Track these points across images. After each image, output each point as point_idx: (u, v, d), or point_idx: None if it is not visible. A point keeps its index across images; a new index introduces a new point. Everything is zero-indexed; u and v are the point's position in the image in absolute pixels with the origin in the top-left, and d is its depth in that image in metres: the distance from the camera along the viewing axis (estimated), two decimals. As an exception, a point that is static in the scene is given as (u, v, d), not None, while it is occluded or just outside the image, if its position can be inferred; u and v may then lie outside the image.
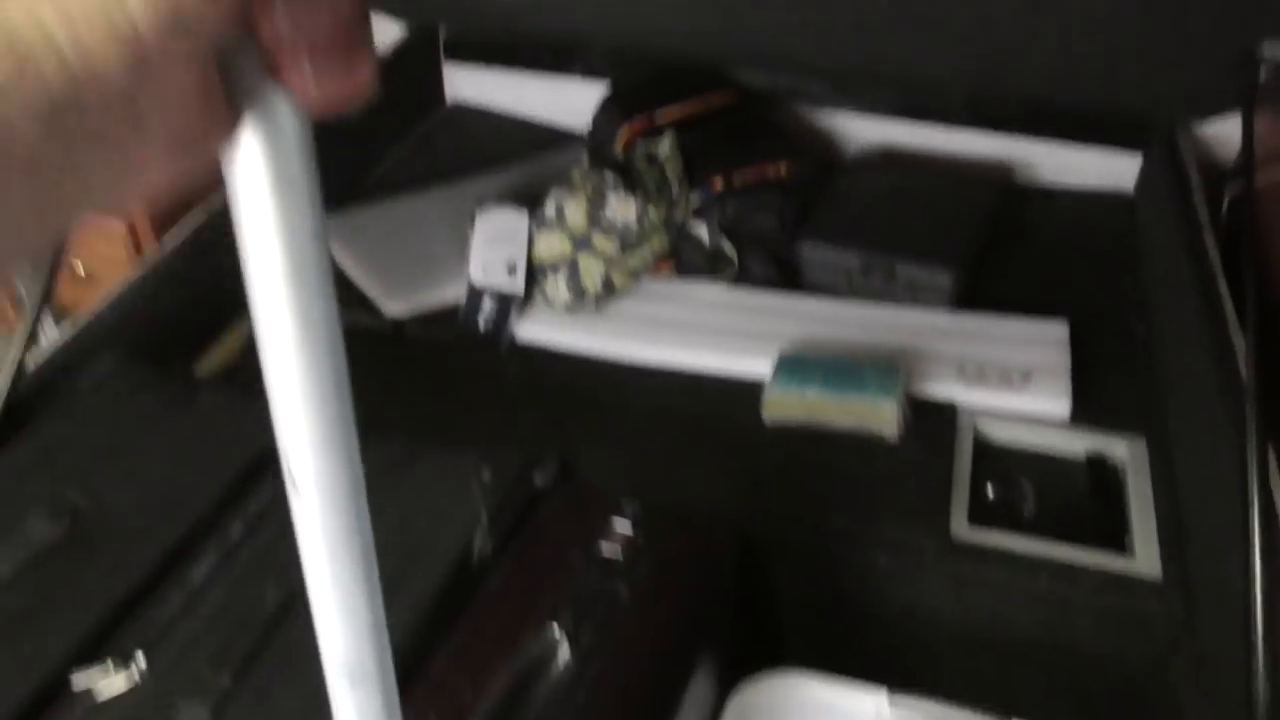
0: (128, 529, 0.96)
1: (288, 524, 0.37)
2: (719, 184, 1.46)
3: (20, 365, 1.04)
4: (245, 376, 1.29)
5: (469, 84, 1.94)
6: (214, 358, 1.32)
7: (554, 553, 0.93)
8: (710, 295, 1.42)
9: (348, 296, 1.43)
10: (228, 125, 0.31)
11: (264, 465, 1.00)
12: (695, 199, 1.45)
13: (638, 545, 0.94)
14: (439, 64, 1.95)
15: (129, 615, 0.88)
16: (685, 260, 1.46)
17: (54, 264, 1.16)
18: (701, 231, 1.45)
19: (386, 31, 1.97)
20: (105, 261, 1.73)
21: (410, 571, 0.92)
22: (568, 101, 1.81)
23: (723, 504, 1.06)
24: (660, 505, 0.98)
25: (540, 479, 1.03)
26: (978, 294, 1.38)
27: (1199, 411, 1.09)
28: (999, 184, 1.60)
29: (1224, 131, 1.63)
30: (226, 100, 0.30)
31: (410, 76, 1.94)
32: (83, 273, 1.79)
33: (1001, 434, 1.19)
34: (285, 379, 0.34)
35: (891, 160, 1.68)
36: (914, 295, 1.37)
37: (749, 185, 1.47)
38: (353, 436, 0.36)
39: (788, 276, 1.45)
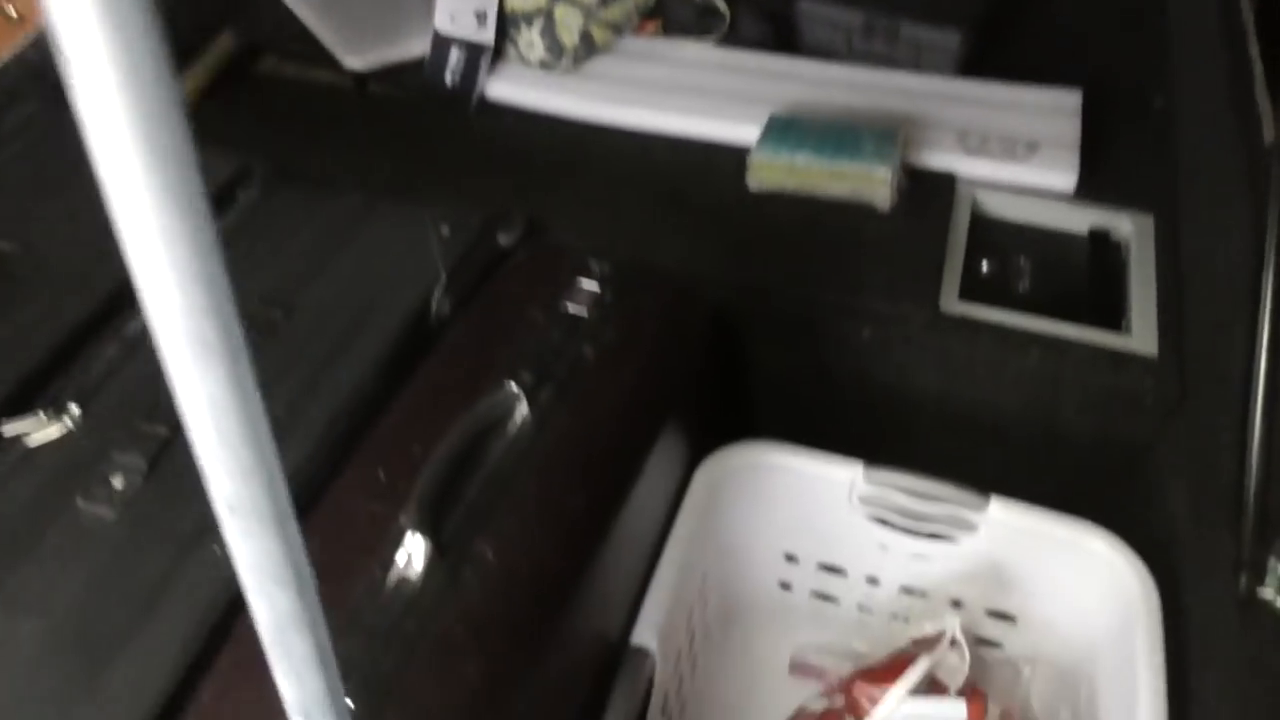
0: (61, 275, 0.89)
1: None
2: (712, -69, 1.33)
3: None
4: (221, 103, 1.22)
5: None
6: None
7: (515, 310, 0.87)
8: (697, 54, 1.31)
9: (306, 50, 1.32)
10: None
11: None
12: (685, -53, 1.32)
13: (604, 304, 0.88)
14: None
15: (62, 365, 0.83)
16: (672, 16, 1.34)
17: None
18: (690, -17, 1.32)
19: None
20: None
21: (365, 326, 0.86)
22: None
23: (700, 271, 0.99)
24: (631, 267, 0.91)
25: (505, 238, 0.96)
26: (987, 58, 1.27)
27: (1216, 183, 1.01)
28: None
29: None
30: None
31: None
32: (14, 14, 1.66)
33: (1001, 207, 1.11)
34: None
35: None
36: (918, 58, 1.27)
37: (745, -67, 1.34)
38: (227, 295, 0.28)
39: (783, 37, 1.33)
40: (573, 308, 0.87)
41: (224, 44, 1.33)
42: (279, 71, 1.34)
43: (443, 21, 1.26)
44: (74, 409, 0.80)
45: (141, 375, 0.82)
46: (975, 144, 1.15)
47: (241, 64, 1.33)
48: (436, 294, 0.89)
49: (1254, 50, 1.06)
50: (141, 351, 0.85)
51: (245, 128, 1.22)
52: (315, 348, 0.84)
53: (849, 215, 1.06)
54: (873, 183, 1.06)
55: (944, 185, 1.11)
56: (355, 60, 1.31)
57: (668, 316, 0.90)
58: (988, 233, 1.07)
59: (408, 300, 0.88)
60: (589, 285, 0.89)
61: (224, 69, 1.31)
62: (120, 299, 0.87)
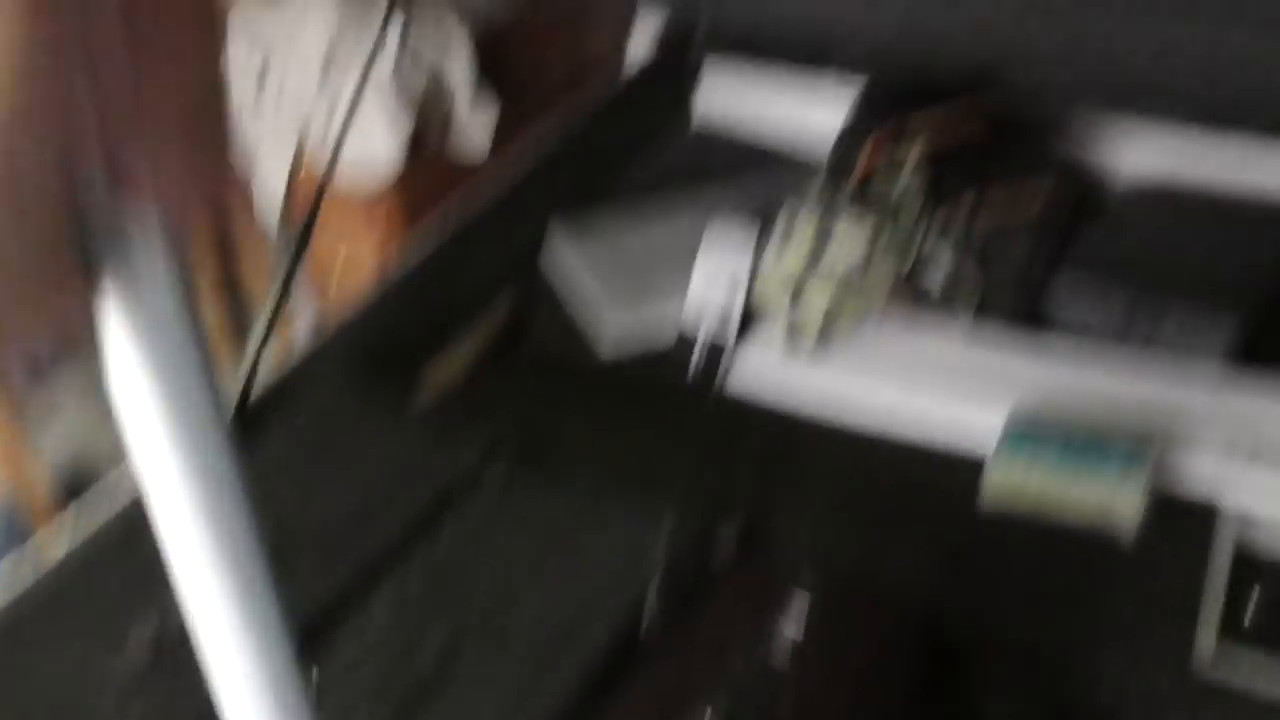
0: (321, 545, 1.00)
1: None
2: (969, 202, 1.33)
3: (246, 386, 1.11)
4: (464, 399, 1.33)
5: (720, 92, 1.85)
6: (432, 384, 1.34)
7: (723, 632, 0.88)
8: (944, 331, 1.29)
9: (572, 333, 1.40)
10: (83, 276, 0.29)
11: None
12: (938, 220, 1.33)
13: (813, 636, 0.87)
14: (692, 72, 1.88)
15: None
16: (923, 289, 1.34)
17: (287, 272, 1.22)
18: (944, 252, 1.32)
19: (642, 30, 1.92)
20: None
21: (574, 639, 0.90)
22: (820, 109, 1.69)
23: (920, 595, 0.96)
24: (846, 589, 0.90)
25: (721, 548, 0.98)
26: (1268, 347, 1.17)
27: None
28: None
29: None
30: (76, 249, 0.28)
31: (660, 85, 1.88)
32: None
33: (1275, 539, 1.00)
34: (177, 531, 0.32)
35: (1176, 189, 1.45)
36: (1186, 345, 1.19)
37: (1004, 206, 1.33)
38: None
39: (1038, 315, 1.29)
40: (780, 635, 0.87)
41: (498, 317, 1.43)
42: (546, 347, 1.41)
43: (697, 284, 1.32)
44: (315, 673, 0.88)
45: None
46: (1248, 452, 1.05)
47: (512, 336, 1.43)
48: (647, 609, 0.91)
49: None
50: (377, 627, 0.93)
51: (500, 400, 1.30)
52: (526, 658, 0.89)
53: (1089, 542, 0.99)
54: (1118, 505, 0.99)
55: (1203, 516, 1.01)
56: (614, 318, 1.38)
57: (879, 657, 0.87)
58: (1258, 572, 0.96)
59: (618, 613, 0.91)
60: (799, 611, 0.88)
61: (495, 344, 1.41)
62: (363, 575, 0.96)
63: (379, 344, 1.32)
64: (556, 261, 1.49)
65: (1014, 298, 1.31)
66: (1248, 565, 0.96)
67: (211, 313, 1.96)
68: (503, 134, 1.62)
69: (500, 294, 1.46)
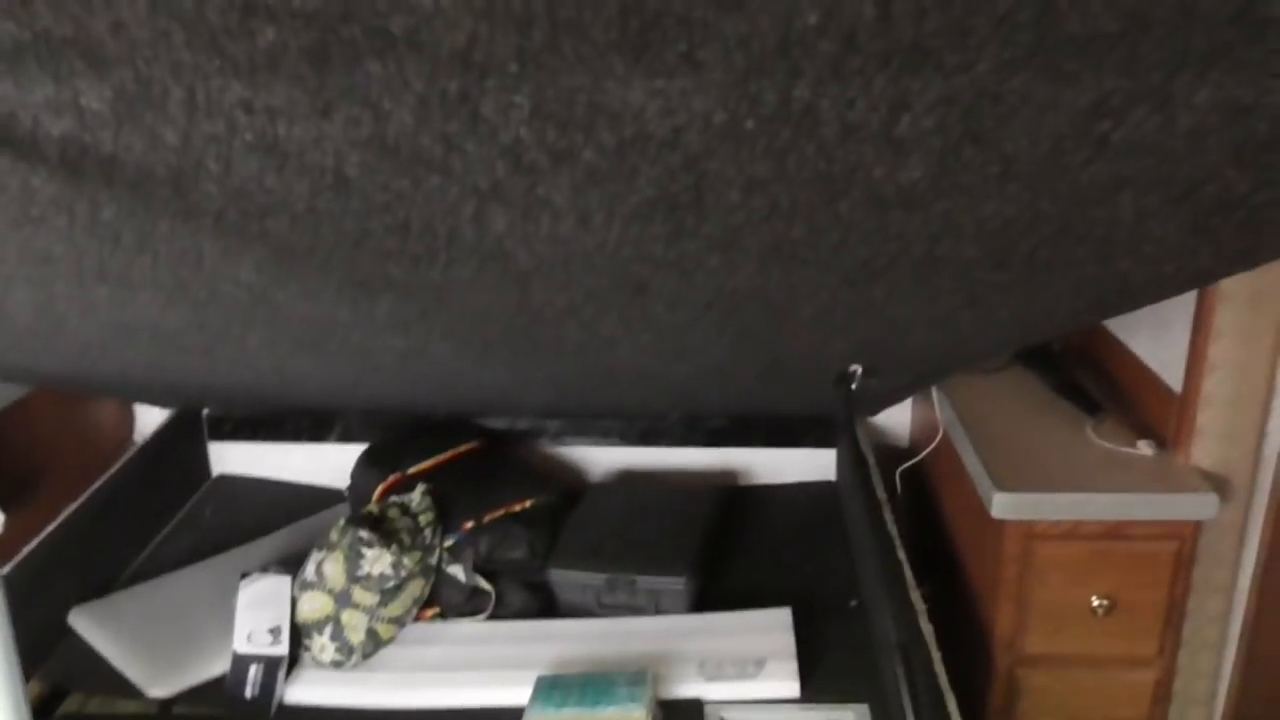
0: None
1: None
2: (469, 524, 1.59)
3: None
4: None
5: (233, 456, 2.04)
6: None
7: None
8: (471, 631, 1.51)
9: (111, 685, 1.43)
10: None
11: None
12: (449, 541, 1.57)
13: None
14: (204, 441, 2.05)
15: None
16: (446, 601, 1.55)
17: None
18: (458, 572, 1.56)
19: (152, 414, 2.07)
20: None
21: None
22: (328, 463, 1.94)
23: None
24: None
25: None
26: (712, 592, 1.54)
27: (891, 670, 1.25)
28: (722, 488, 1.81)
29: (899, 418, 1.94)
30: None
31: (177, 456, 2.02)
32: None
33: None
34: None
35: (628, 481, 1.88)
36: (656, 603, 1.52)
37: (497, 521, 1.61)
38: None
39: (545, 602, 1.57)
40: None
41: (32, 689, 1.42)
42: (84, 708, 1.43)
43: (240, 642, 1.42)
44: None
45: None
46: (713, 669, 1.36)
47: (48, 705, 1.42)
48: None
49: (901, 554, 1.37)
50: None
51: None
52: None
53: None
54: (632, 716, 1.23)
55: (693, 710, 1.30)
56: (159, 689, 1.43)
57: None
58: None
59: None
60: None
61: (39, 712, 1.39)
62: None
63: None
64: (85, 637, 1.52)
65: (520, 600, 1.57)
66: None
67: None
68: (12, 513, 1.64)
69: (32, 668, 1.45)
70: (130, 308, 0.85)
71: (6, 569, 1.48)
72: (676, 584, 1.51)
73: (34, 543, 1.57)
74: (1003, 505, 1.34)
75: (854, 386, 1.21)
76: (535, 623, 1.52)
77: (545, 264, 0.65)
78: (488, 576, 1.56)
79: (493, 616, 1.54)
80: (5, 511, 1.64)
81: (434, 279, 0.69)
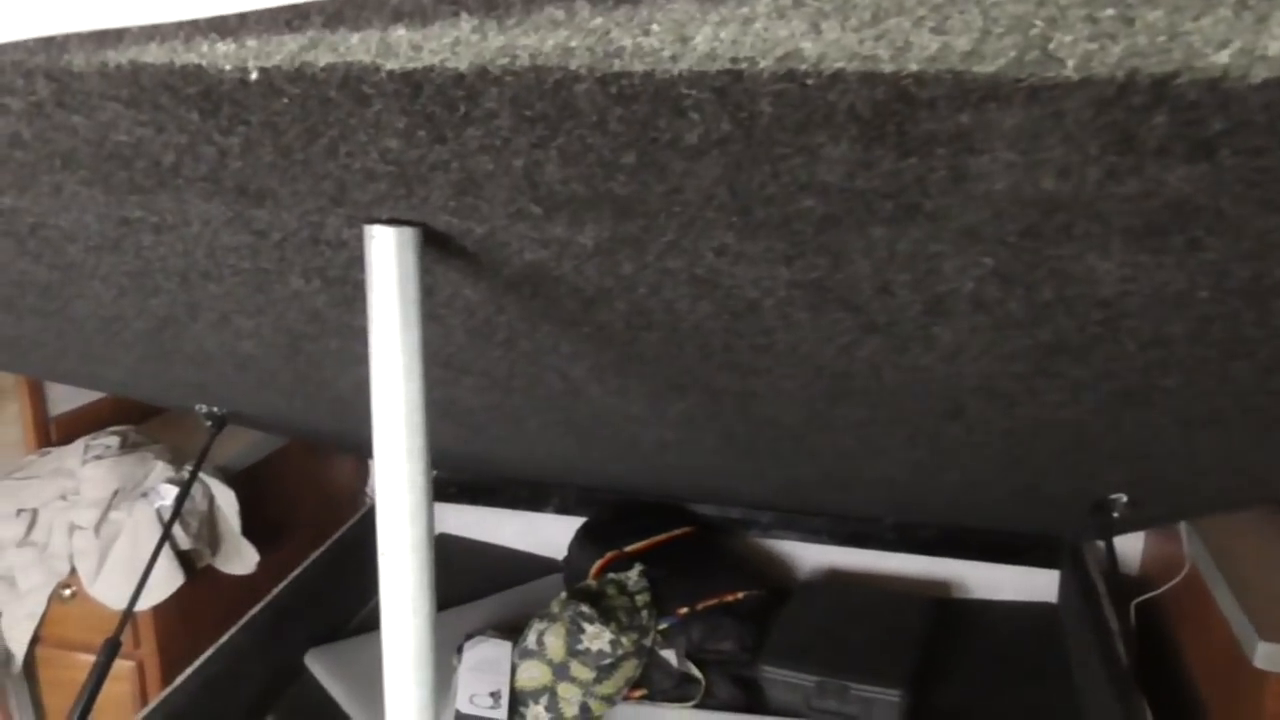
0: None
1: None
2: (684, 610, 1.61)
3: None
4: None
5: (453, 518, 2.14)
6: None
7: None
8: (679, 718, 1.52)
9: (339, 727, 1.52)
10: None
11: None
12: (663, 624, 1.60)
13: None
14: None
15: None
16: (656, 684, 1.57)
17: None
18: (670, 656, 1.58)
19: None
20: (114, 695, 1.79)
21: None
22: (542, 533, 2.00)
23: None
24: None
25: None
26: (923, 709, 1.50)
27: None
28: (934, 599, 1.77)
29: (1131, 545, 1.85)
30: None
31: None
32: None
33: None
34: None
35: (837, 581, 1.86)
36: (868, 712, 1.49)
37: (710, 610, 1.62)
38: None
39: (752, 698, 1.56)
40: None
41: (266, 725, 1.53)
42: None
43: (463, 702, 1.48)
44: None
45: None
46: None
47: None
48: None
49: (1136, 695, 1.30)
50: None
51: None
52: None
53: None
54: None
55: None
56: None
57: None
58: None
59: None
60: None
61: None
62: None
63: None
64: (320, 679, 1.61)
65: (729, 693, 1.57)
66: None
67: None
68: (268, 551, 1.77)
69: (269, 706, 1.55)
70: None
71: (256, 609, 1.60)
72: (891, 695, 1.48)
73: (280, 586, 1.68)
74: (1269, 656, 1.26)
75: (1115, 515, 1.17)
76: (744, 717, 1.52)
77: (879, 386, 0.67)
78: (697, 665, 1.58)
79: (701, 705, 1.55)
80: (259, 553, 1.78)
81: (754, 388, 0.72)
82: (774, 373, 0.66)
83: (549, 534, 1.98)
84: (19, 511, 1.56)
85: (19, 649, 1.65)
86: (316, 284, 0.62)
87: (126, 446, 1.62)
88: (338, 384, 0.98)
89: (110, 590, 1.53)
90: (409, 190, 0.45)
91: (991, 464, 0.92)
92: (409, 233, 0.49)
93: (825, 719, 1.50)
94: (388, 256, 0.49)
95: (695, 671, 1.57)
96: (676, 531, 1.84)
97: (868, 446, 0.88)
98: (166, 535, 1.40)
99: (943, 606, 1.76)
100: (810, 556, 1.90)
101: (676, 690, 1.57)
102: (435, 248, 0.52)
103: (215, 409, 1.31)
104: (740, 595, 1.66)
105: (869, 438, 0.82)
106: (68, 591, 1.60)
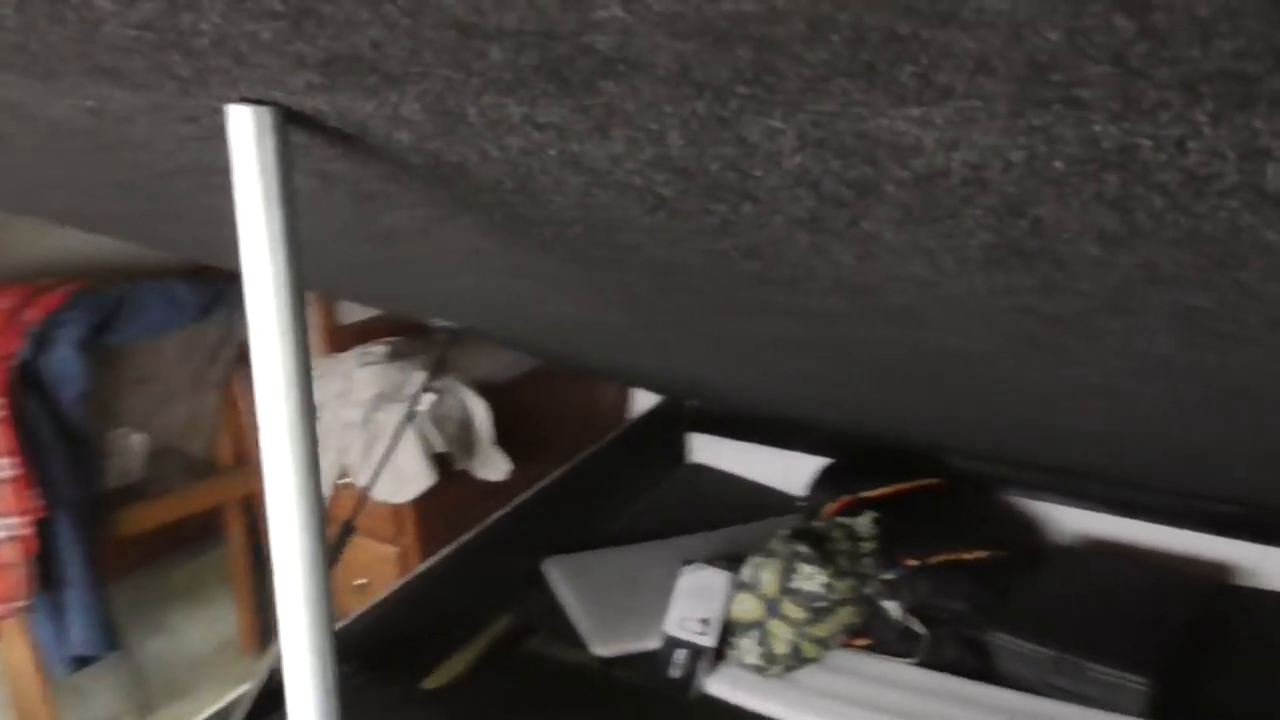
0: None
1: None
2: (913, 562, 1.52)
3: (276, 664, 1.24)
4: (465, 695, 1.46)
5: (706, 448, 2.15)
6: (441, 674, 1.49)
7: None
8: (897, 673, 1.45)
9: (565, 633, 1.57)
10: None
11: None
12: (888, 575, 1.52)
13: None
14: (684, 431, 2.19)
15: None
16: (878, 635, 1.51)
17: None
18: (892, 607, 1.50)
19: (641, 399, 2.25)
20: (381, 576, 1.99)
21: None
22: (792, 471, 1.96)
23: None
24: None
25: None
26: (1179, 703, 1.33)
27: None
28: (1214, 584, 1.56)
29: None
30: None
31: (659, 440, 2.17)
32: (362, 582, 2.07)
33: None
34: None
35: (1098, 552, 1.68)
36: (1108, 698, 1.34)
37: (944, 565, 1.52)
38: None
39: (980, 662, 1.45)
40: None
41: (503, 624, 1.62)
42: (543, 649, 1.58)
43: (672, 625, 1.49)
44: None
45: None
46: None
47: (515, 639, 1.60)
48: None
49: None
50: None
51: (503, 696, 1.45)
52: None
53: None
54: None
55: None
56: (603, 648, 1.54)
57: None
58: None
59: None
60: None
61: (499, 644, 1.59)
62: None
63: (400, 631, 1.47)
64: (553, 585, 1.69)
65: (955, 654, 1.48)
66: None
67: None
68: (519, 464, 1.87)
69: (506, 603, 1.64)
70: (557, 307, 0.92)
71: (499, 513, 1.69)
72: (1136, 682, 1.32)
73: (527, 494, 1.77)
74: None
75: None
76: (973, 684, 1.41)
77: (920, 306, 0.58)
78: (923, 621, 1.49)
79: (923, 663, 1.47)
80: (511, 462, 1.88)
81: (815, 306, 0.65)
82: (809, 290, 0.59)
83: (797, 472, 1.93)
84: (306, 405, 1.74)
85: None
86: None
87: (394, 355, 1.76)
88: (542, 313, 0.99)
89: (369, 482, 1.67)
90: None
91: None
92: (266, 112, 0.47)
93: (1060, 697, 1.37)
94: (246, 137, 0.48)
95: (918, 626, 1.48)
96: (924, 481, 1.74)
97: (1017, 383, 0.77)
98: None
99: (1223, 593, 1.54)
100: (1070, 522, 1.72)
101: (900, 644, 1.49)
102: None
103: (450, 324, 1.39)
104: (980, 554, 1.55)
105: (989, 372, 0.71)
106: (344, 480, 1.77)
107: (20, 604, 1.56)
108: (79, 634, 1.62)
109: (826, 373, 0.94)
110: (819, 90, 0.35)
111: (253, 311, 0.54)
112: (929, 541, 1.56)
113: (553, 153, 0.46)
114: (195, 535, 2.19)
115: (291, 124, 0.48)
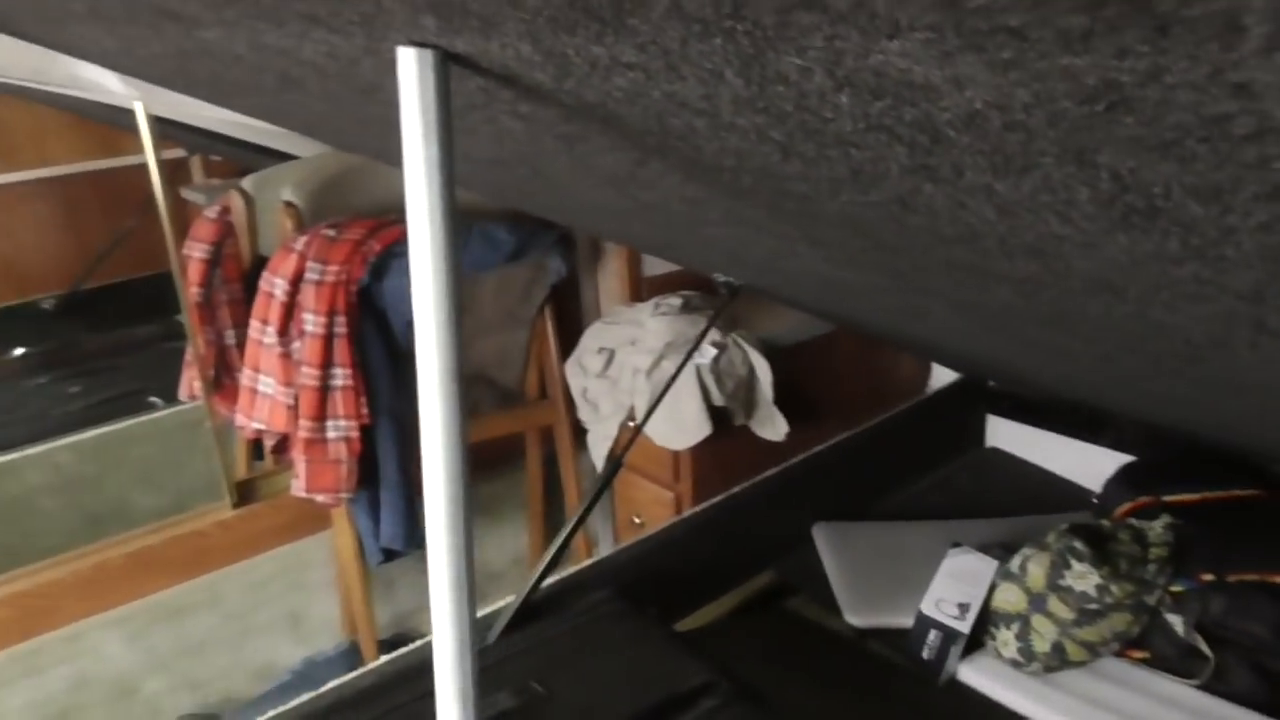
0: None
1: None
2: (1208, 576, 1.38)
3: (538, 580, 1.34)
4: (716, 641, 1.51)
5: (1006, 433, 2.04)
6: (697, 618, 1.55)
7: None
8: (1174, 693, 1.33)
9: (824, 597, 1.58)
10: None
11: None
12: (1177, 586, 1.39)
13: None
14: (984, 412, 2.09)
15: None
16: (1156, 650, 1.39)
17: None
18: (1175, 622, 1.37)
19: (940, 375, 2.17)
20: (655, 517, 2.10)
21: None
22: (1094, 466, 1.83)
23: None
24: None
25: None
26: None
27: None
28: None
29: None
30: None
31: (956, 418, 2.09)
32: (638, 520, 2.18)
33: None
34: None
35: None
36: None
37: (1245, 585, 1.37)
38: None
39: (1276, 696, 1.30)
40: None
41: (766, 579, 1.65)
42: (800, 610, 1.60)
43: (928, 605, 1.45)
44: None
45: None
46: None
47: (776, 595, 1.63)
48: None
49: None
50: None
51: (753, 649, 1.48)
52: None
53: None
54: None
55: None
56: (858, 618, 1.54)
57: None
58: None
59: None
60: None
61: (758, 598, 1.62)
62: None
63: (661, 570, 1.54)
64: (820, 549, 1.69)
65: (1246, 683, 1.32)
66: None
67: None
68: (798, 428, 1.88)
69: (770, 560, 1.67)
70: (796, 261, 0.91)
71: (770, 472, 1.71)
72: None
73: (802, 455, 1.78)
74: None
75: None
76: (1258, 716, 1.27)
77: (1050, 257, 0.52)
78: (1212, 642, 1.35)
79: (1206, 687, 1.33)
80: (791, 424, 1.89)
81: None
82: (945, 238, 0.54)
83: (1099, 467, 1.79)
84: (600, 349, 1.85)
85: (599, 462, 1.98)
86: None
87: (687, 308, 1.82)
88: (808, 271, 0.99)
89: (651, 427, 1.75)
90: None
91: None
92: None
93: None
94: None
95: (1204, 647, 1.35)
96: (1240, 491, 1.56)
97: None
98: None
99: None
100: None
101: (1181, 662, 1.37)
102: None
103: (730, 279, 1.41)
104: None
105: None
106: (631, 423, 1.87)
107: (345, 495, 1.79)
108: (389, 529, 1.84)
109: (1142, 371, 0.86)
110: (789, 24, 0.34)
111: (413, 228, 0.60)
112: (1232, 557, 1.40)
113: (656, 94, 0.47)
114: (499, 458, 2.39)
115: (455, 64, 0.53)
